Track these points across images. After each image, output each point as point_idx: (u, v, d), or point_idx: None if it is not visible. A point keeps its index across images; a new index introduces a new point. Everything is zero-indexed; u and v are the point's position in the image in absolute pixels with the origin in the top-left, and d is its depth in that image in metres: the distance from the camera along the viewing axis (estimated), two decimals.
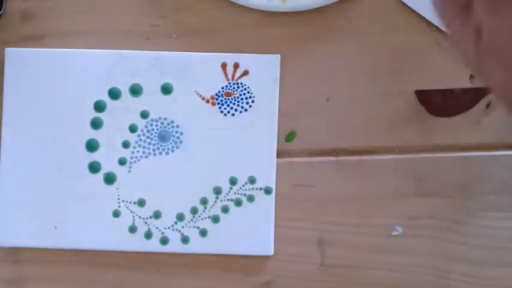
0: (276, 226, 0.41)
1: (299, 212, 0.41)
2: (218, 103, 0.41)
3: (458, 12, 0.26)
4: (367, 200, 0.41)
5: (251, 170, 0.41)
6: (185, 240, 0.41)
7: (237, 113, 0.41)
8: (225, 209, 0.41)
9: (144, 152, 0.41)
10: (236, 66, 0.41)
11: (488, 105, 0.42)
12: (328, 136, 0.42)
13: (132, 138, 0.41)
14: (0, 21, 0.42)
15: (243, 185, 0.41)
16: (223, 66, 0.41)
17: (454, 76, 0.42)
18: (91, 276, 0.41)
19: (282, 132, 0.41)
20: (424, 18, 0.41)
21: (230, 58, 0.41)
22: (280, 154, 0.41)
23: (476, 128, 0.42)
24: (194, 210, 0.41)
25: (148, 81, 0.41)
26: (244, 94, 0.41)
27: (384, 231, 0.41)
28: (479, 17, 0.25)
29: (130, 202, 0.41)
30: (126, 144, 0.41)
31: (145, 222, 0.41)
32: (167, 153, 0.41)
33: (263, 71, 0.41)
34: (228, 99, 0.41)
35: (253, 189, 0.41)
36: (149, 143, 0.41)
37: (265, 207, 0.41)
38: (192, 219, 0.41)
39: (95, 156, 0.41)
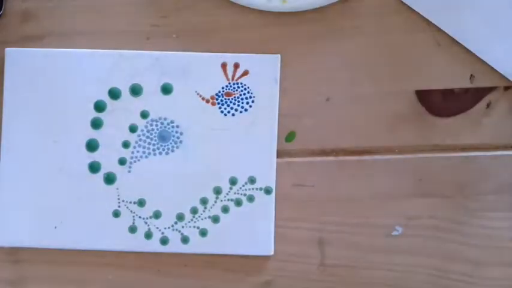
0: (275, 226, 0.41)
1: (299, 212, 0.41)
2: (218, 103, 0.41)
3: None
4: (367, 200, 0.41)
5: (251, 170, 0.41)
6: (185, 240, 0.41)
7: (237, 113, 0.41)
8: (225, 209, 0.41)
9: (144, 152, 0.41)
10: (236, 66, 0.41)
11: (488, 105, 0.42)
12: (328, 136, 0.42)
13: (132, 138, 0.41)
14: (0, 21, 0.42)
15: (243, 185, 0.41)
16: (223, 66, 0.41)
17: (454, 76, 0.42)
18: (91, 276, 0.41)
19: (282, 132, 0.41)
20: (424, 17, 0.41)
21: (230, 58, 0.41)
22: (280, 154, 0.41)
23: (476, 128, 0.42)
24: (194, 210, 0.41)
25: (148, 81, 0.41)
26: (244, 94, 0.41)
27: (383, 231, 0.41)
28: None
29: (130, 202, 0.41)
30: (126, 144, 0.41)
31: (145, 222, 0.41)
32: (167, 153, 0.41)
33: (263, 71, 0.41)
34: (228, 99, 0.41)
35: (253, 189, 0.41)
36: (149, 143, 0.41)
37: (265, 207, 0.41)
38: (192, 219, 0.41)
39: (95, 156, 0.41)
